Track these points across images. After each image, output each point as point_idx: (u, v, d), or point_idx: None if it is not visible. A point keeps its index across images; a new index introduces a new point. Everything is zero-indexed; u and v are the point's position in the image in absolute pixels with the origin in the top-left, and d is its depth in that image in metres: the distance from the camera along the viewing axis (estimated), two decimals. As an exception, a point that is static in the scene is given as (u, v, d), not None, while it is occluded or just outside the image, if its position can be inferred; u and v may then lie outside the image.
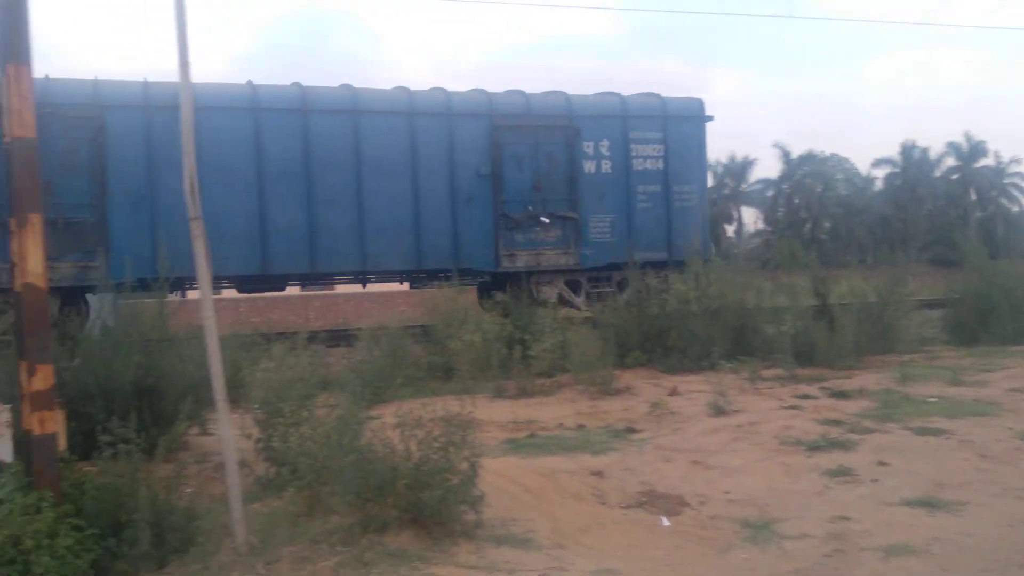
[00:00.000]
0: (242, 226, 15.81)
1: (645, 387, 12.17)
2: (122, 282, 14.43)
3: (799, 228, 57.68)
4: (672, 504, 7.14)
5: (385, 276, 18.20)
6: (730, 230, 60.54)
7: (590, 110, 18.36)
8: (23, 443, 5.54)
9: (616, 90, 19.00)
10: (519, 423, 10.17)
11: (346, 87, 17.16)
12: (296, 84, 16.96)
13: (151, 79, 16.08)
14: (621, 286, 17.19)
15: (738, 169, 60.70)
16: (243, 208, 15.91)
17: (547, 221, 17.36)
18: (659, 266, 18.10)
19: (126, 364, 7.43)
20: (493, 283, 18.23)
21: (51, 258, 14.70)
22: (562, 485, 7.30)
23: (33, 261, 5.50)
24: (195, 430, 7.95)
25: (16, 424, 5.60)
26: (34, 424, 5.44)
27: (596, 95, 19.00)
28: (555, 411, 10.95)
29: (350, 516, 6.12)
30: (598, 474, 7.73)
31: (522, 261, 17.38)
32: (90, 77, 15.87)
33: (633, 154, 18.29)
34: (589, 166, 17.98)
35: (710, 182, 58.32)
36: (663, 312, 14.28)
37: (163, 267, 8.25)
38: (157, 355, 7.74)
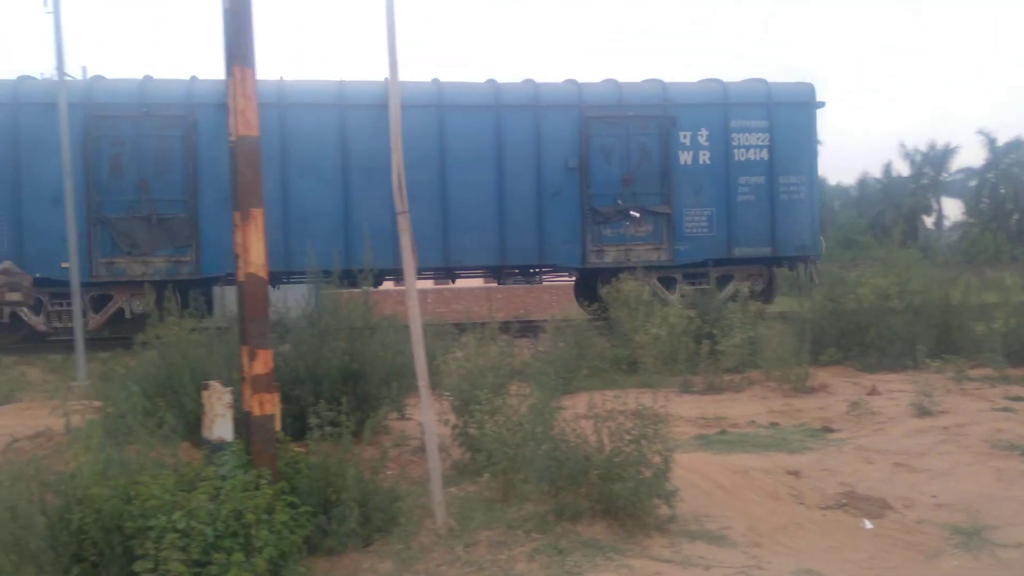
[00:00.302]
0: (326, 222, 16.11)
1: (842, 385, 11.94)
2: (215, 276, 15.76)
3: (1005, 220, 54.18)
4: (874, 507, 6.96)
5: (470, 272, 18.11)
6: (929, 222, 57.75)
7: (687, 98, 17.74)
8: (243, 423, 5.86)
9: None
10: (708, 419, 10.10)
11: (433, 82, 17.10)
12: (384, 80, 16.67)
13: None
14: (722, 283, 16.52)
15: (938, 157, 57.60)
16: (327, 204, 16.26)
17: (637, 215, 17.04)
18: (763, 262, 17.77)
19: (333, 350, 7.78)
20: (585, 280, 18.13)
21: (145, 253, 15.88)
22: (757, 483, 7.21)
23: (255, 253, 5.83)
24: (393, 414, 8.20)
25: (237, 405, 5.92)
26: (254, 406, 5.77)
27: (696, 82, 18.46)
28: (746, 408, 10.86)
29: (544, 504, 6.22)
30: (794, 473, 7.62)
31: (610, 257, 17.10)
32: (185, 77, 16.49)
33: (734, 144, 17.64)
34: (685, 157, 17.44)
35: (906, 171, 55.84)
36: (860, 308, 13.89)
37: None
38: (360, 342, 8.05)
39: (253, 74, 5.92)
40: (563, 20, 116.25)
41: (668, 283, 17.45)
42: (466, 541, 5.89)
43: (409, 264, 6.42)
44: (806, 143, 18.30)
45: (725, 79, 18.22)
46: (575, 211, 17.05)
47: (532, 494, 6.33)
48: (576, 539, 5.88)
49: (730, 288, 16.50)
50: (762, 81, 18.37)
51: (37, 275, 15.59)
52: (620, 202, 17.04)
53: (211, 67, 21.19)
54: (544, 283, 21.60)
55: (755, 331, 12.74)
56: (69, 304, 14.85)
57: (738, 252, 17.24)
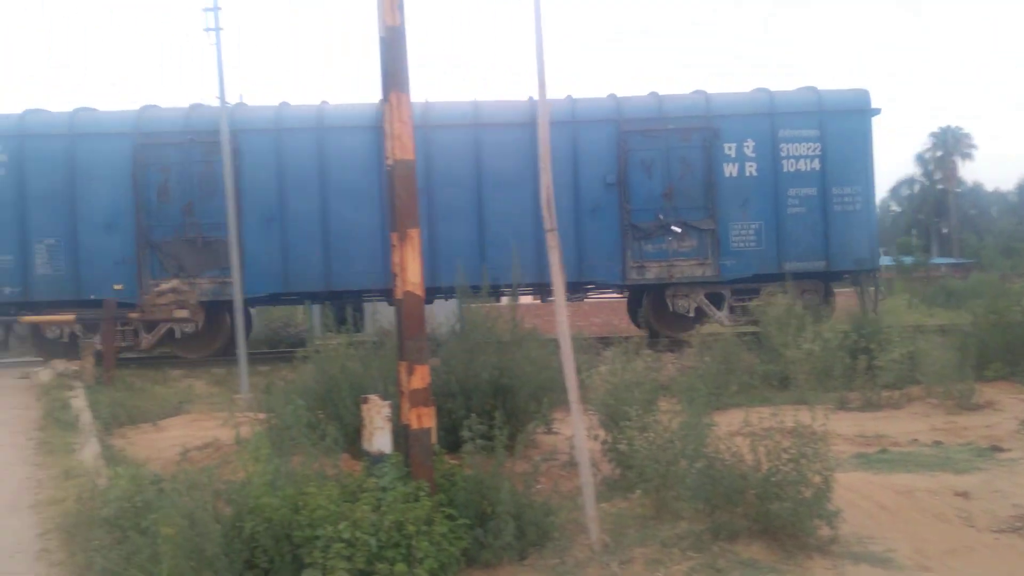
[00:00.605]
0: (366, 243, 17.88)
1: (1010, 402, 12.12)
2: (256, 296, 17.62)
3: None
4: (1053, 532, 6.64)
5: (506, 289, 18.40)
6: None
7: (732, 108, 18.54)
8: (402, 436, 6.59)
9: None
10: (867, 437, 10.45)
11: (470, 103, 18.37)
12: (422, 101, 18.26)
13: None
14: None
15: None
16: (366, 225, 17.99)
17: (679, 230, 18.04)
18: (817, 277, 18.65)
19: (483, 365, 8.66)
20: (636, 296, 19.17)
21: (192, 275, 17.69)
22: (922, 504, 7.48)
23: (412, 272, 6.61)
24: (540, 428, 8.92)
25: (395, 418, 6.66)
26: (412, 419, 6.51)
27: (741, 92, 19.27)
28: (907, 425, 11.14)
29: (698, 522, 6.63)
30: (963, 495, 7.83)
31: (652, 273, 18.01)
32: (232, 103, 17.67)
33: (783, 154, 18.50)
34: (730, 169, 18.37)
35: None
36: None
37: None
38: (509, 357, 8.91)
39: (408, 99, 6.66)
40: (560, 22, 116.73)
41: (716, 300, 18.31)
42: (621, 558, 6.33)
43: (558, 281, 7.09)
44: (861, 152, 18.78)
45: (773, 88, 19.14)
46: (614, 227, 18.19)
47: (686, 512, 6.75)
48: (734, 559, 6.28)
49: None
50: (812, 89, 19.17)
51: (91, 296, 17.46)
52: (661, 217, 18.21)
53: (256, 94, 23.00)
54: (588, 299, 22.34)
55: (915, 345, 13.17)
56: (126, 324, 17.34)
57: (789, 267, 17.97)
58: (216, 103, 16.09)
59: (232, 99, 18.59)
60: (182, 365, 17.63)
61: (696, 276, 18.03)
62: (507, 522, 6.47)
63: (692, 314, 17.62)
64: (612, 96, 18.84)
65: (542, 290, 18.58)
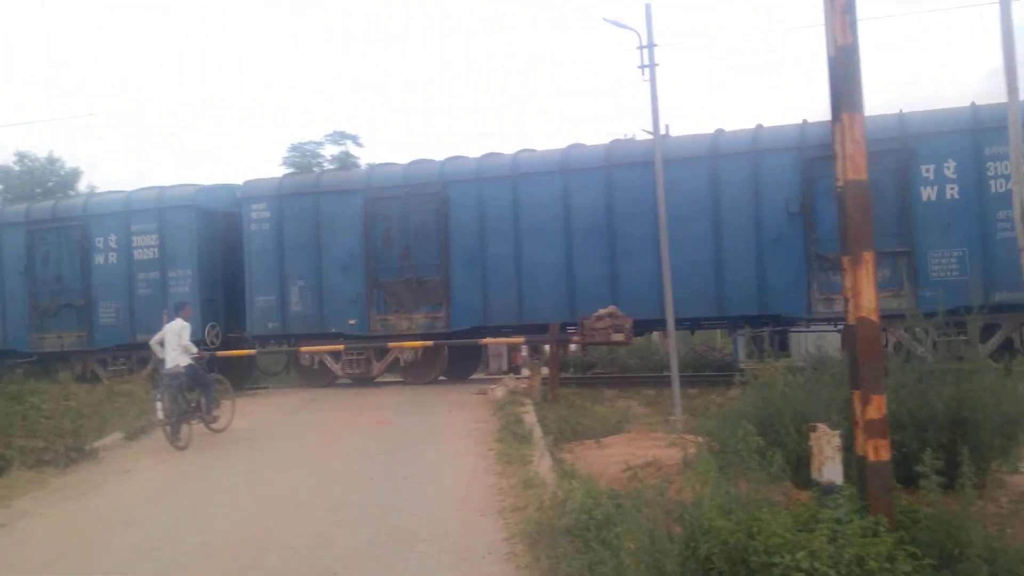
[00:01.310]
0: (552, 278, 17.27)
1: None
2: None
3: None
4: None
5: (684, 323, 17.42)
6: None
7: (929, 127, 15.83)
8: (855, 467, 5.83)
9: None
10: None
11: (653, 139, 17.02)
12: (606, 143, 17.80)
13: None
14: (985, 334, 13.12)
15: None
16: (553, 262, 17.30)
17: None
18: None
19: (939, 395, 7.38)
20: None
21: (409, 311, 18.38)
22: None
23: (867, 297, 5.82)
24: (1004, 467, 7.62)
25: (846, 449, 5.90)
26: (869, 451, 5.72)
27: (939, 110, 16.36)
28: None
29: None
30: None
31: (841, 305, 15.43)
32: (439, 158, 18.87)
33: (990, 173, 15.34)
34: (928, 193, 15.55)
35: None
36: None
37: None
38: (968, 387, 7.51)
39: (862, 120, 5.93)
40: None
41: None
42: None
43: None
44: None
45: (979, 102, 15.93)
46: (799, 258, 16.04)
47: None
48: None
49: (996, 339, 14.80)
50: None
51: (332, 329, 18.58)
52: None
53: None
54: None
55: None
56: (358, 353, 18.30)
57: (999, 297, 14.65)
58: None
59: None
60: (616, 386, 18.44)
61: (891, 309, 14.52)
62: (980, 567, 5.41)
63: (890, 349, 14.55)
64: (796, 124, 16.70)
65: (714, 324, 17.93)
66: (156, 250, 19.30)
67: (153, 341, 13.55)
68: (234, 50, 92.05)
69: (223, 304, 19.49)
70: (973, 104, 15.91)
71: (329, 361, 18.48)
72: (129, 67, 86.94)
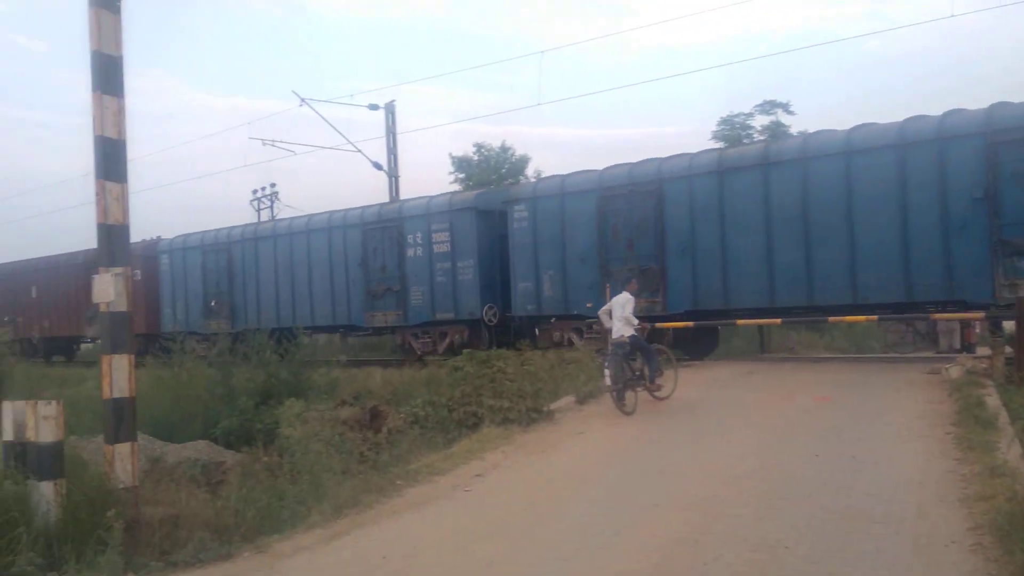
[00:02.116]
0: (754, 265, 19.00)
1: None
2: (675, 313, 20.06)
3: None
4: None
5: (873, 309, 18.08)
6: None
7: None
8: None
9: None
10: None
11: (844, 131, 18.35)
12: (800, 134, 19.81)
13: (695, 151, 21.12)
14: None
15: None
16: (755, 250, 19.00)
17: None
18: None
19: None
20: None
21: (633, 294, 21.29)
22: None
23: None
24: None
25: None
26: None
27: None
28: None
29: None
30: None
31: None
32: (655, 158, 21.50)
33: None
34: None
35: None
36: None
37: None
38: None
39: None
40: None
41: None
42: None
43: None
44: None
45: None
46: (983, 243, 16.20)
47: None
48: None
49: None
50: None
51: (574, 312, 22.05)
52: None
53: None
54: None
55: None
56: (594, 332, 21.15)
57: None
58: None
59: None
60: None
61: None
62: None
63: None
64: (980, 110, 16.97)
65: (903, 308, 17.81)
66: (448, 244, 23.88)
67: (601, 312, 15.02)
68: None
69: (499, 289, 23.44)
70: None
71: (574, 337, 21.77)
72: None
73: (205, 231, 30.71)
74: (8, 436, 7.66)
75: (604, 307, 15.04)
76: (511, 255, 23.16)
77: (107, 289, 8.03)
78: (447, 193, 25.74)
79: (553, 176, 24.10)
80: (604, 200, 21.51)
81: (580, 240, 21.90)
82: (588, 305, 21.28)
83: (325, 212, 26.93)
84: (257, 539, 7.86)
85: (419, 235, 24.61)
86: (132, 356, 8.17)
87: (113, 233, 8.15)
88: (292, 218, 28.90)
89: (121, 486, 7.89)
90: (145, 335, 29.38)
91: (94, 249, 31.13)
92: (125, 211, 8.20)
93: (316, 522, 8.15)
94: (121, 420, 8.05)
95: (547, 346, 22.15)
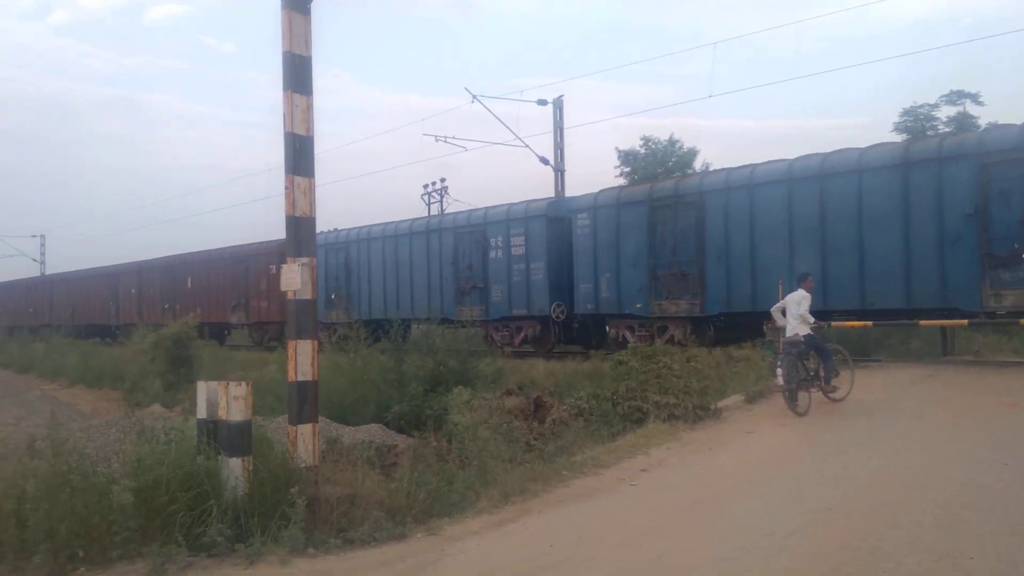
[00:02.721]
0: (781, 272, 16.69)
1: None
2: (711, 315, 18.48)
3: None
4: None
5: (880, 314, 16.35)
6: None
7: None
8: None
9: None
10: None
11: (856, 150, 16.76)
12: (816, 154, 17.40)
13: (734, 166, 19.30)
14: None
15: None
16: (779, 258, 17.13)
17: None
18: None
19: None
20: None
21: (675, 298, 19.65)
22: None
23: None
24: None
25: None
26: None
27: None
28: None
29: None
30: None
31: (1009, 300, 14.39)
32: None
33: None
34: None
35: None
36: None
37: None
38: None
39: None
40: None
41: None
42: None
43: None
44: None
45: None
46: (973, 256, 14.69)
47: None
48: None
49: None
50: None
51: (626, 311, 20.39)
52: (1016, 245, 14.17)
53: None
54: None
55: None
56: (644, 331, 19.99)
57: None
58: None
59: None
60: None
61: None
62: None
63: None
64: (978, 131, 15.91)
65: (907, 315, 16.01)
66: (523, 248, 22.10)
67: (774, 309, 12.22)
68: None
69: (567, 289, 21.49)
70: None
71: (628, 335, 20.04)
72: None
73: (327, 231, 28.46)
74: (202, 414, 6.45)
75: (777, 304, 12.26)
76: (575, 259, 21.39)
77: (294, 278, 6.70)
78: (523, 202, 23.57)
79: (610, 188, 22.24)
80: (651, 211, 19.73)
81: (631, 247, 20.17)
82: (638, 306, 19.93)
83: (424, 217, 25.68)
84: (428, 521, 6.54)
85: (500, 239, 22.86)
86: (315, 341, 6.85)
87: (301, 225, 6.82)
88: (398, 221, 26.57)
89: (303, 465, 6.60)
90: (279, 322, 27.69)
91: (240, 245, 29.67)
92: (312, 204, 6.85)
93: (484, 507, 6.80)
94: (304, 402, 6.72)
95: (608, 344, 20.86)
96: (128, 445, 6.98)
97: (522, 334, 22.26)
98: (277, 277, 32.79)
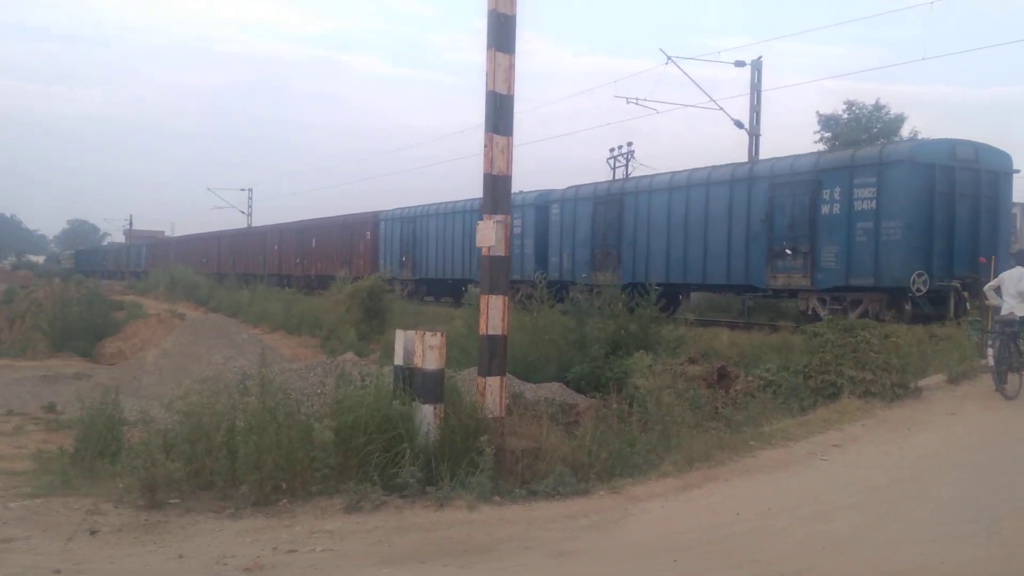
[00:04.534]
0: (660, 257, 20.98)
1: None
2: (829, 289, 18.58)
3: None
4: None
5: (714, 288, 21.43)
6: None
7: (829, 165, 17.81)
8: None
9: None
10: None
11: (706, 168, 20.83)
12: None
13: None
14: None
15: None
16: (660, 245, 21.03)
17: (790, 252, 17.84)
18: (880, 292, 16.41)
19: None
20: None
21: (603, 270, 22.98)
22: None
23: None
24: None
25: None
26: None
27: (839, 152, 19.62)
28: None
29: None
30: None
31: (780, 281, 18.17)
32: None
33: (855, 198, 16.73)
34: (825, 209, 17.36)
35: None
36: None
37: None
38: None
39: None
40: None
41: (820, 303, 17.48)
42: None
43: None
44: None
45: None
46: (763, 249, 18.42)
47: None
48: None
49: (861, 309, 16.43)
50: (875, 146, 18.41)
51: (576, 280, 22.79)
52: (784, 244, 17.84)
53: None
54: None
55: None
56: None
57: (854, 281, 16.75)
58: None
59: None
60: None
61: (801, 285, 17.57)
62: None
63: (810, 312, 17.25)
64: (769, 161, 19.81)
65: (733, 289, 20.42)
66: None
67: (987, 287, 11.48)
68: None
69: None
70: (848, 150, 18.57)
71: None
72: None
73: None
74: (399, 361, 6.63)
75: (991, 283, 11.35)
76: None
77: (489, 234, 6.71)
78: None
79: (571, 187, 25.13)
80: (596, 205, 23.47)
81: (584, 231, 23.85)
82: (583, 276, 23.21)
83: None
84: (611, 480, 6.48)
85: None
86: (506, 297, 6.87)
87: (498, 183, 6.81)
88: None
89: (491, 415, 6.68)
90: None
91: (348, 215, 34.98)
92: (509, 163, 6.82)
93: (668, 471, 6.66)
94: (494, 355, 6.76)
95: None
96: (328, 388, 7.30)
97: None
98: (369, 240, 34.82)
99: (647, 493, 6.29)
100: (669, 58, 25.85)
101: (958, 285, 15.81)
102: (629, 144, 36.80)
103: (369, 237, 34.51)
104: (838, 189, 17.45)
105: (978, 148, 16.87)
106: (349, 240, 36.00)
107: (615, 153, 36.91)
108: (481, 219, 7.04)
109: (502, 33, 6.82)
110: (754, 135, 26.45)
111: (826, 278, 17.36)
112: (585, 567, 4.91)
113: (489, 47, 6.83)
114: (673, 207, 21.06)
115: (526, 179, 50.98)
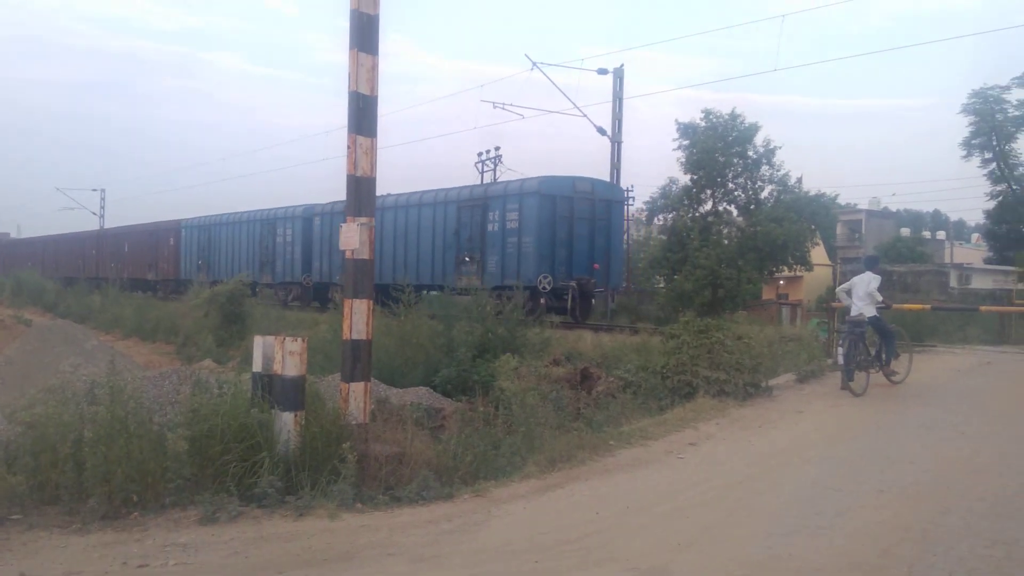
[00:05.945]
0: (390, 255, 25.21)
1: None
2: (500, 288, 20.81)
3: None
4: None
5: (421, 287, 23.02)
6: None
7: (492, 192, 24.22)
8: None
9: None
10: None
11: (419, 192, 25.91)
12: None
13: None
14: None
15: None
16: (392, 250, 25.39)
17: (468, 259, 22.60)
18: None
19: None
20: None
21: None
22: None
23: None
24: None
25: None
26: None
27: (501, 182, 28.11)
28: None
29: None
30: None
31: (464, 282, 22.44)
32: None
33: (493, 219, 23.02)
34: (491, 226, 22.80)
35: None
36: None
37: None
38: None
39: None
40: None
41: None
42: None
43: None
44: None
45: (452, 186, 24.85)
46: (453, 257, 23.27)
47: None
48: None
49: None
50: (518, 181, 23.56)
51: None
52: (463, 253, 22.64)
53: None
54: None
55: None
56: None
57: (507, 282, 20.50)
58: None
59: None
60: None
61: (476, 285, 19.92)
62: None
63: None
64: (455, 188, 24.63)
65: (437, 288, 23.53)
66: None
67: (839, 289, 12.25)
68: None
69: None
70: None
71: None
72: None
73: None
74: (257, 367, 6.33)
75: (843, 285, 12.08)
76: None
77: (353, 237, 6.57)
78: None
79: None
80: (381, 213, 25.16)
81: (436, 238, 25.55)
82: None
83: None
84: (475, 483, 6.46)
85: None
86: (370, 301, 6.72)
87: (361, 184, 6.65)
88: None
89: (354, 422, 6.49)
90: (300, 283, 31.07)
91: (165, 221, 31.76)
92: (373, 164, 6.67)
93: (531, 472, 6.69)
94: (357, 360, 6.58)
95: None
96: (183, 396, 6.98)
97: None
98: (172, 245, 36.78)
99: (510, 495, 6.27)
100: (534, 64, 26.54)
101: (575, 285, 21.05)
102: (497, 148, 37.36)
103: (172, 243, 37.87)
104: (497, 212, 23.03)
105: (595, 183, 22.85)
106: (155, 245, 39.60)
107: (483, 157, 37.33)
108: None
109: (365, 33, 6.67)
110: (616, 142, 27.27)
111: (491, 279, 22.36)
112: (447, 571, 4.84)
113: (352, 47, 6.66)
114: (399, 222, 26.24)
115: (393, 183, 51.11)
